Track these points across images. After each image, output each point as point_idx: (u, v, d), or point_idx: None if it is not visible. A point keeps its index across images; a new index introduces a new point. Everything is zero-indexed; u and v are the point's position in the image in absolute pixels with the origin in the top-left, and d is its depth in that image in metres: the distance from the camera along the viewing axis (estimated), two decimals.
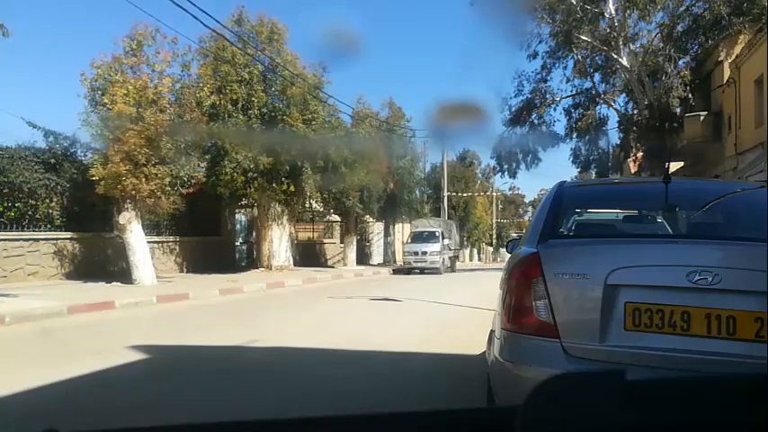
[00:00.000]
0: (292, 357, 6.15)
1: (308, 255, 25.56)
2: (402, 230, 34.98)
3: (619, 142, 27.26)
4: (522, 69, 28.84)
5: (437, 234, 24.30)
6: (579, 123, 26.36)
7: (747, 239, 2.60)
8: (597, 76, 25.70)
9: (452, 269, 25.76)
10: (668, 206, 3.30)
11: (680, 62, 21.42)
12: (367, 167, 21.58)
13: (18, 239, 13.55)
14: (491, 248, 58.69)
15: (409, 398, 4.28)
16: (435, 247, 23.46)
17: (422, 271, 22.93)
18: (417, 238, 24.39)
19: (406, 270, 23.29)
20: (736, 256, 2.40)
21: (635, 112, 24.06)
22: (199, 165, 17.74)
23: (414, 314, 9.88)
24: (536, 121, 26.75)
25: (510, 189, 60.76)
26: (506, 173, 28.96)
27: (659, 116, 21.49)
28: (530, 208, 65.53)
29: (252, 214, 22.25)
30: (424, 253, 23.18)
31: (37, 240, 14.02)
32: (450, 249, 25.96)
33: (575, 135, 26.93)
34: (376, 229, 30.89)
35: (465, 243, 47.90)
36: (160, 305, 10.83)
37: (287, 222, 20.80)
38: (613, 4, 21.31)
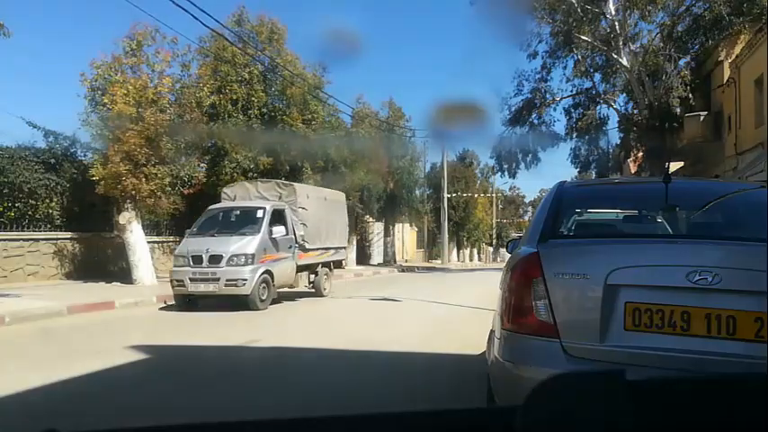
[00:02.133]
0: (292, 357, 6.15)
1: None
2: (402, 230, 34.87)
3: (619, 142, 27.31)
4: (522, 69, 28.67)
5: (259, 215, 10.82)
6: (579, 123, 26.33)
7: (747, 239, 2.60)
8: (597, 76, 25.70)
9: (319, 290, 12.47)
10: (668, 206, 3.29)
11: (680, 62, 21.42)
12: (367, 167, 21.61)
13: (18, 239, 13.55)
14: (491, 248, 58.71)
15: (409, 398, 4.28)
16: (245, 245, 10.27)
17: (235, 302, 9.92)
18: (210, 224, 11.15)
19: (180, 302, 10.29)
20: (736, 256, 2.40)
21: (635, 112, 24.05)
22: (199, 165, 17.80)
23: (413, 314, 9.89)
24: (536, 121, 26.73)
25: (510, 189, 60.87)
26: (506, 173, 28.96)
27: (659, 116, 21.47)
28: (530, 208, 65.53)
29: None
30: (216, 259, 9.99)
31: (37, 240, 14.02)
32: (306, 248, 11.87)
33: (575, 135, 26.91)
34: (376, 229, 30.83)
35: (465, 243, 47.87)
36: (160, 305, 10.83)
37: None
38: (613, 4, 21.32)
